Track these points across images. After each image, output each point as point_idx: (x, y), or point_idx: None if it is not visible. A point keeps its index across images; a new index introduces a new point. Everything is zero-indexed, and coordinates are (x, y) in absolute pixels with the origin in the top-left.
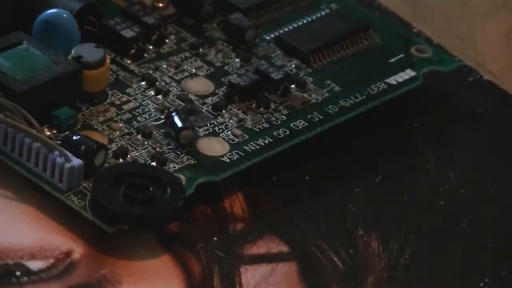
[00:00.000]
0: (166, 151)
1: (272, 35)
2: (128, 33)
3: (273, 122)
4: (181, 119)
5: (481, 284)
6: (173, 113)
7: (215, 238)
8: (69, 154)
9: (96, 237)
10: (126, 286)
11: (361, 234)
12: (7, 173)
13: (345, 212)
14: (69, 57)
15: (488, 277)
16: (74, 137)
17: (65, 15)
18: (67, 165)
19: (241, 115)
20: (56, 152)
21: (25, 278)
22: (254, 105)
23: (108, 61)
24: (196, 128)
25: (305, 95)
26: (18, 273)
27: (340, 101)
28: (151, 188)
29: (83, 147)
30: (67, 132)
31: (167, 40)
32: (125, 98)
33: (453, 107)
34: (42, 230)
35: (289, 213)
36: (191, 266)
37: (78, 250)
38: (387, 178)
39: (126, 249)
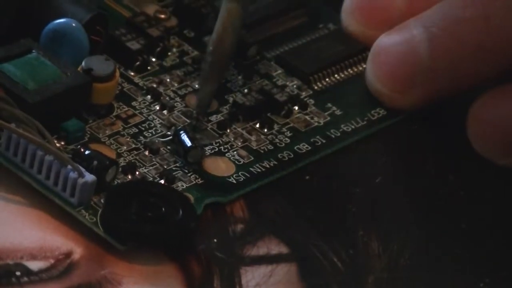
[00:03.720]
0: (174, 168)
1: (273, 53)
2: (134, 45)
3: (277, 144)
4: (189, 138)
5: (481, 285)
6: (181, 131)
7: (215, 239)
8: (82, 170)
9: (96, 238)
10: (126, 287)
11: (361, 234)
12: (7, 174)
13: (345, 213)
14: (79, 69)
15: (487, 278)
16: (86, 152)
17: (74, 25)
18: (80, 180)
19: (246, 136)
20: (69, 167)
21: (25, 278)
22: (258, 126)
23: (117, 74)
24: (204, 147)
25: (307, 117)
26: (18, 273)
27: (342, 126)
28: (163, 208)
29: (95, 162)
30: (78, 146)
31: (169, 53)
32: (130, 112)
33: (453, 108)
34: (42, 230)
35: (289, 214)
36: (191, 267)
37: (78, 250)
38: (387, 179)
39: (126, 250)
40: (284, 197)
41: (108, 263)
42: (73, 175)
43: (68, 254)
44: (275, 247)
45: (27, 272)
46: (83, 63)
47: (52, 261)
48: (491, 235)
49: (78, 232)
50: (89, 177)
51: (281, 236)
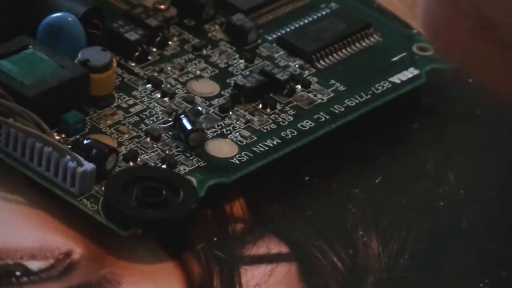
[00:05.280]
0: (176, 153)
1: (274, 36)
2: (132, 36)
3: (280, 123)
4: (190, 121)
5: (481, 285)
6: (182, 116)
7: (215, 239)
8: (81, 159)
9: (96, 238)
10: (126, 287)
11: (361, 234)
12: (7, 173)
13: (345, 213)
14: (76, 61)
15: (488, 278)
16: (85, 141)
17: (70, 19)
18: (80, 169)
19: (248, 117)
20: (68, 157)
21: (25, 278)
22: (260, 106)
23: (115, 64)
24: (205, 130)
25: (310, 95)
26: (18, 273)
27: (346, 101)
28: (164, 191)
29: (94, 151)
30: (77, 137)
31: (170, 42)
32: (131, 101)
33: (453, 108)
34: (42, 230)
35: (289, 214)
36: (191, 267)
37: (78, 250)
38: (387, 179)
39: (126, 250)
40: (284, 197)
41: (108, 263)
42: (72, 164)
43: (68, 254)
44: (275, 247)
45: (27, 272)
46: (79, 55)
47: (52, 261)
48: (491, 235)
49: (78, 232)
50: (88, 165)
51: (281, 236)
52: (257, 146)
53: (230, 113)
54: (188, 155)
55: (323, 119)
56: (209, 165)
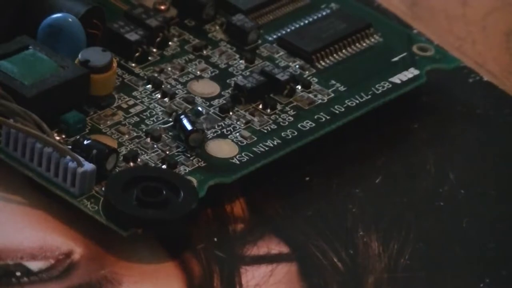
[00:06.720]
0: (176, 154)
1: (274, 36)
2: (133, 36)
3: (281, 123)
4: (190, 122)
5: (481, 285)
6: (182, 116)
7: (215, 239)
8: (81, 159)
9: (96, 238)
10: (126, 286)
11: (361, 234)
12: (7, 173)
13: (345, 213)
14: (76, 61)
15: (488, 278)
16: (85, 142)
17: (70, 19)
18: (80, 169)
19: (249, 117)
20: (68, 157)
21: (25, 279)
22: (260, 107)
23: (115, 64)
24: (205, 130)
25: (310, 95)
26: (18, 273)
27: (346, 101)
28: (164, 191)
29: (94, 151)
30: (78, 137)
31: (170, 43)
32: (132, 102)
33: (453, 108)
34: (42, 230)
35: (289, 214)
36: (191, 267)
37: (78, 250)
38: (387, 179)
39: (126, 250)
40: (284, 197)
41: (108, 263)
42: (72, 165)
43: (68, 254)
44: (275, 247)
45: (27, 272)
46: (79, 55)
47: (52, 261)
48: (491, 235)
49: (78, 232)
50: (88, 166)
51: (281, 236)
52: (258, 146)
53: (231, 113)
54: (189, 155)
55: (323, 119)
56: (209, 166)
